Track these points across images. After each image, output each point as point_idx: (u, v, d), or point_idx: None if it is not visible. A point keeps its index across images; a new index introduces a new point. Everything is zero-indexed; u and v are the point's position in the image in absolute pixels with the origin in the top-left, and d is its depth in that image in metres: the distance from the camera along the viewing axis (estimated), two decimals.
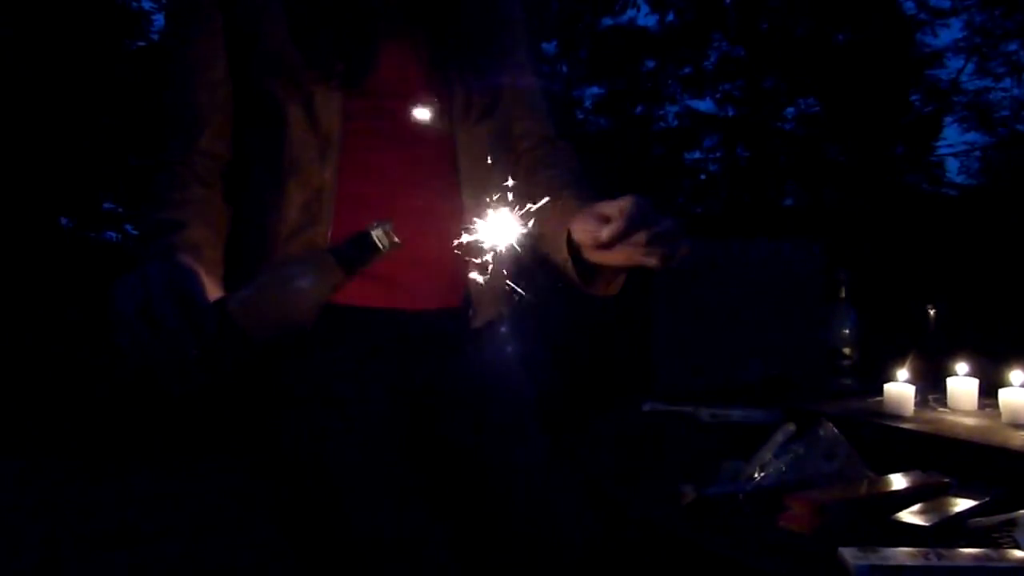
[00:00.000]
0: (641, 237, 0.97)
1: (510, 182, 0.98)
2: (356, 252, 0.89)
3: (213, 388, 1.01)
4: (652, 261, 1.01)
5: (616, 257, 1.01)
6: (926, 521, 0.96)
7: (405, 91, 1.12)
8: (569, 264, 1.12)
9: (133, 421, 4.32)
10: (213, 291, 0.90)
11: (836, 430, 1.17)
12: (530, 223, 0.97)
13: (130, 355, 0.84)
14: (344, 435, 1.06)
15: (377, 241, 0.88)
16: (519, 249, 0.96)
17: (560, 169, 1.24)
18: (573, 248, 1.09)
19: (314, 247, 1.08)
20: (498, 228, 0.95)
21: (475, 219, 0.97)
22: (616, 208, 0.99)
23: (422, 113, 1.13)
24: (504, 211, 0.96)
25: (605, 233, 0.98)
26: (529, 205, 0.97)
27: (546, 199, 1.00)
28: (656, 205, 0.99)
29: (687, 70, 9.93)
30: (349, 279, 0.90)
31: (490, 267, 0.97)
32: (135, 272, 0.87)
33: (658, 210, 0.99)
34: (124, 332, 0.84)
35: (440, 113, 1.14)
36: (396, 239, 0.88)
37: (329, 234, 1.09)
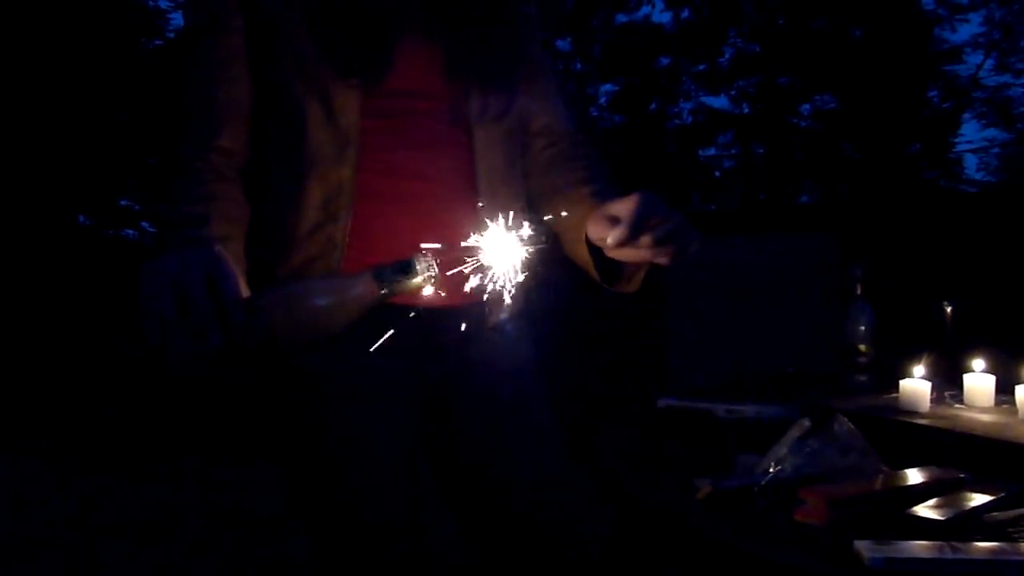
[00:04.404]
0: (647, 239, 0.98)
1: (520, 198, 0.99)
2: (398, 278, 0.92)
3: (222, 385, 1.03)
4: (662, 260, 1.02)
5: (629, 255, 1.03)
6: (941, 515, 0.96)
7: (422, 90, 1.13)
8: (590, 263, 1.13)
9: (150, 416, 4.36)
10: (240, 285, 0.91)
11: (852, 426, 1.17)
12: (535, 240, 0.98)
13: (151, 332, 0.85)
14: (361, 430, 1.07)
15: (420, 272, 0.91)
16: (522, 271, 0.97)
17: (578, 164, 1.25)
18: (592, 247, 1.10)
19: (332, 245, 1.10)
20: (502, 248, 0.97)
21: (478, 242, 0.97)
22: (623, 209, 1.00)
23: (439, 112, 1.14)
24: (507, 231, 0.97)
25: (610, 239, 0.99)
26: (530, 229, 0.97)
27: (543, 239, 0.99)
28: (663, 201, 1.00)
29: (702, 67, 9.90)
30: (385, 300, 0.93)
31: (501, 273, 0.98)
32: (169, 253, 0.89)
33: (665, 208, 1.00)
34: (151, 308, 0.85)
35: (457, 112, 1.15)
36: (437, 271, 0.91)
37: (347, 231, 1.10)
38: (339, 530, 1.05)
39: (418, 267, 0.91)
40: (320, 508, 1.07)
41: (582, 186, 1.19)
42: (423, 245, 0.95)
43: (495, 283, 0.99)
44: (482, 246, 0.97)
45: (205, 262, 0.87)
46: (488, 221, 0.98)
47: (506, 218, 1.06)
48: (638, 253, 1.01)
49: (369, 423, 1.08)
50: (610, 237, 0.99)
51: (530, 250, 0.97)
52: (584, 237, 1.10)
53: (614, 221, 1.01)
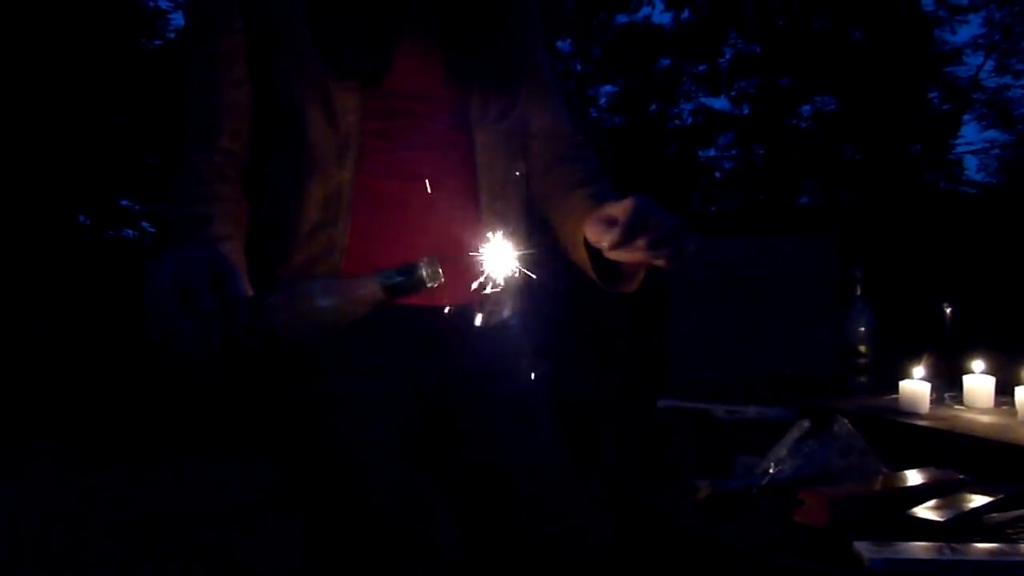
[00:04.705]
0: (642, 241, 0.99)
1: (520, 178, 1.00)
2: (401, 282, 0.92)
3: (226, 384, 1.03)
4: (659, 262, 1.02)
5: (626, 257, 1.03)
6: (941, 517, 0.96)
7: (423, 92, 1.13)
8: (588, 264, 1.13)
9: (158, 413, 4.36)
10: (243, 284, 0.91)
11: (851, 427, 1.17)
12: (523, 253, 0.98)
13: (154, 328, 0.85)
14: (360, 430, 1.07)
15: (424, 276, 0.91)
16: (515, 276, 0.98)
17: (577, 166, 1.25)
18: (590, 248, 1.10)
19: (333, 245, 1.10)
20: (497, 259, 0.97)
21: (478, 250, 0.98)
22: (619, 211, 1.00)
23: (439, 114, 1.14)
24: (500, 242, 0.97)
25: (605, 242, 1.00)
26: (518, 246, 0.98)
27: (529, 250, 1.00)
28: (660, 203, 1.00)
29: (702, 68, 9.90)
30: (388, 303, 0.93)
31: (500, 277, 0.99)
32: (172, 251, 0.89)
33: (661, 210, 1.00)
34: (154, 305, 0.85)
35: (458, 114, 1.15)
36: (441, 276, 0.92)
37: (347, 232, 1.10)
38: (338, 529, 1.05)
39: (422, 270, 0.91)
40: (319, 507, 1.07)
41: (580, 188, 1.19)
42: (424, 247, 0.95)
43: (494, 284, 0.99)
44: (480, 248, 0.97)
45: (209, 260, 0.88)
46: (486, 223, 0.99)
47: (505, 220, 1.06)
48: (634, 255, 1.01)
49: (368, 423, 1.08)
50: (605, 239, 1.00)
51: (524, 253, 0.98)
52: (582, 239, 1.11)
53: (611, 223, 1.01)
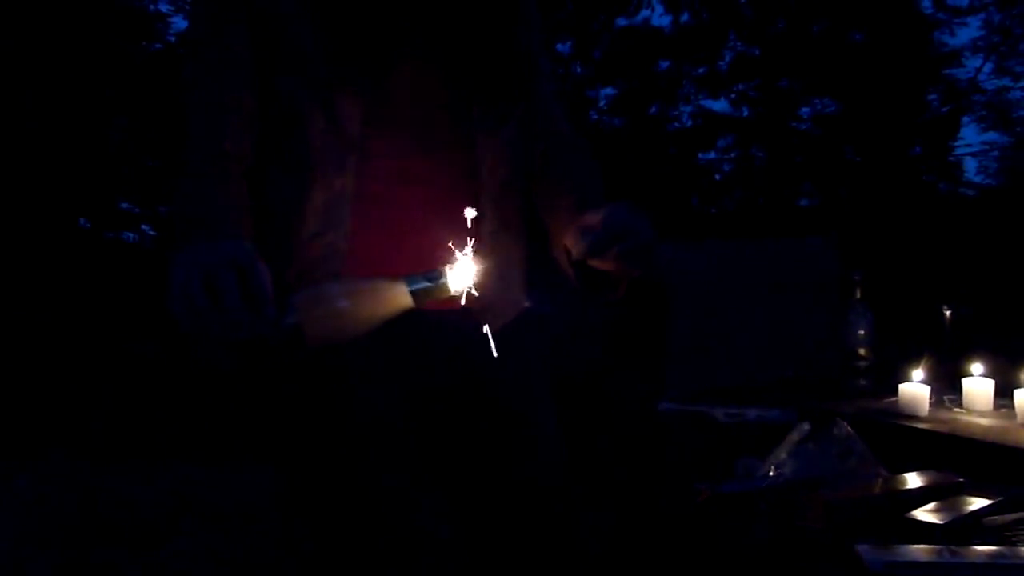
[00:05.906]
0: (613, 251, 0.99)
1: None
2: (428, 287, 0.92)
3: (243, 378, 1.03)
4: (632, 272, 1.03)
5: (601, 265, 1.04)
6: (940, 519, 0.96)
7: (424, 97, 1.14)
8: (570, 270, 1.13)
9: (150, 416, 4.36)
10: (269, 280, 0.92)
11: (851, 429, 1.17)
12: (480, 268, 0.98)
13: (181, 322, 0.86)
14: (361, 432, 1.07)
15: (450, 284, 0.91)
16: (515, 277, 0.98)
17: (570, 170, 1.26)
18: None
19: (334, 251, 1.10)
20: (461, 273, 0.97)
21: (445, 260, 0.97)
22: (593, 221, 1.01)
23: (441, 119, 1.14)
24: (464, 257, 0.97)
25: (575, 252, 1.01)
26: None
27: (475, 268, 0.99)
28: (636, 213, 1.01)
29: (702, 70, 9.92)
30: (413, 307, 0.93)
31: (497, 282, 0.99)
32: (201, 246, 0.90)
33: (636, 220, 1.01)
34: (181, 298, 0.86)
35: (460, 119, 1.15)
36: (468, 284, 0.92)
37: (348, 237, 1.10)
38: (338, 528, 1.05)
39: (449, 279, 0.92)
40: (320, 506, 1.07)
41: (570, 194, 1.20)
42: (425, 253, 0.95)
43: (494, 285, 0.99)
44: (479, 250, 0.97)
45: (236, 254, 0.88)
46: (489, 228, 0.99)
47: (507, 224, 1.06)
48: (607, 264, 1.02)
49: (369, 424, 1.08)
50: (574, 251, 1.01)
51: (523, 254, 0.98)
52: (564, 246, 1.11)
53: (587, 231, 1.02)
